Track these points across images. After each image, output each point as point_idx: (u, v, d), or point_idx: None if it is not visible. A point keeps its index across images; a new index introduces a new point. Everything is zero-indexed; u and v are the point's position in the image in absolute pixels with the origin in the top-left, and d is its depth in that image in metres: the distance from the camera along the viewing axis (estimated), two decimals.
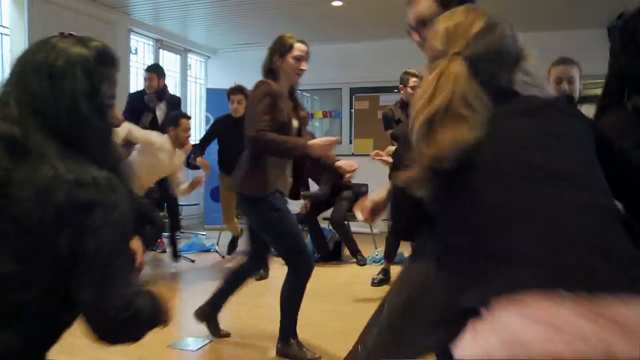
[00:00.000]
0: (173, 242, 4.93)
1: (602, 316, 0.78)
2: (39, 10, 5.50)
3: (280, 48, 2.75)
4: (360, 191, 5.36)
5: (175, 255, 4.90)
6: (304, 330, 3.06)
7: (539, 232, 0.91)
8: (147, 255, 4.81)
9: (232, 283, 3.00)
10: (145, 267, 4.71)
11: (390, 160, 3.08)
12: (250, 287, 4.27)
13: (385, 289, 4.30)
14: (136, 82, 7.13)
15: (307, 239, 5.32)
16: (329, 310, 3.51)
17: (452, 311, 0.93)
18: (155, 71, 5.29)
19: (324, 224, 5.39)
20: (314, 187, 5.48)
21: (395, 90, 8.33)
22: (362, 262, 5.12)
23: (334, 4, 6.12)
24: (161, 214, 4.89)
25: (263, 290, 4.28)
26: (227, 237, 6.06)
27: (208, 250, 5.68)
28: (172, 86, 7.94)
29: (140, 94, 5.36)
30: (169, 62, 7.83)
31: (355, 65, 7.82)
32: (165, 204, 5.08)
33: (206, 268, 4.95)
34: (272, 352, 2.65)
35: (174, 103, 5.44)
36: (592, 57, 6.46)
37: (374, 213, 1.60)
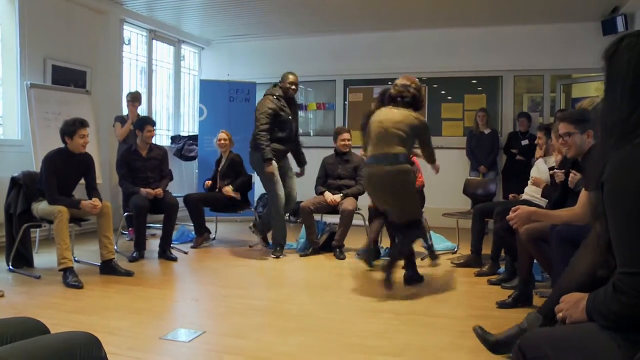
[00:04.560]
0: (167, 240, 4.89)
1: None
2: None
3: None
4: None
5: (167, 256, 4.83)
6: (297, 320, 3.07)
7: None
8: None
9: None
10: (137, 258, 4.70)
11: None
12: (242, 279, 4.27)
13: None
14: (129, 73, 7.08)
15: (302, 232, 5.33)
16: (322, 302, 3.52)
17: None
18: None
19: (316, 217, 5.39)
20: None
21: (390, 83, 8.32)
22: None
23: None
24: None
25: (256, 282, 4.29)
26: (215, 227, 6.03)
27: None
28: (166, 78, 7.90)
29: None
30: (163, 53, 7.78)
31: (349, 57, 7.80)
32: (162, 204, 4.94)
33: (196, 258, 4.95)
34: (263, 343, 2.65)
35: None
36: (585, 49, 6.51)
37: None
